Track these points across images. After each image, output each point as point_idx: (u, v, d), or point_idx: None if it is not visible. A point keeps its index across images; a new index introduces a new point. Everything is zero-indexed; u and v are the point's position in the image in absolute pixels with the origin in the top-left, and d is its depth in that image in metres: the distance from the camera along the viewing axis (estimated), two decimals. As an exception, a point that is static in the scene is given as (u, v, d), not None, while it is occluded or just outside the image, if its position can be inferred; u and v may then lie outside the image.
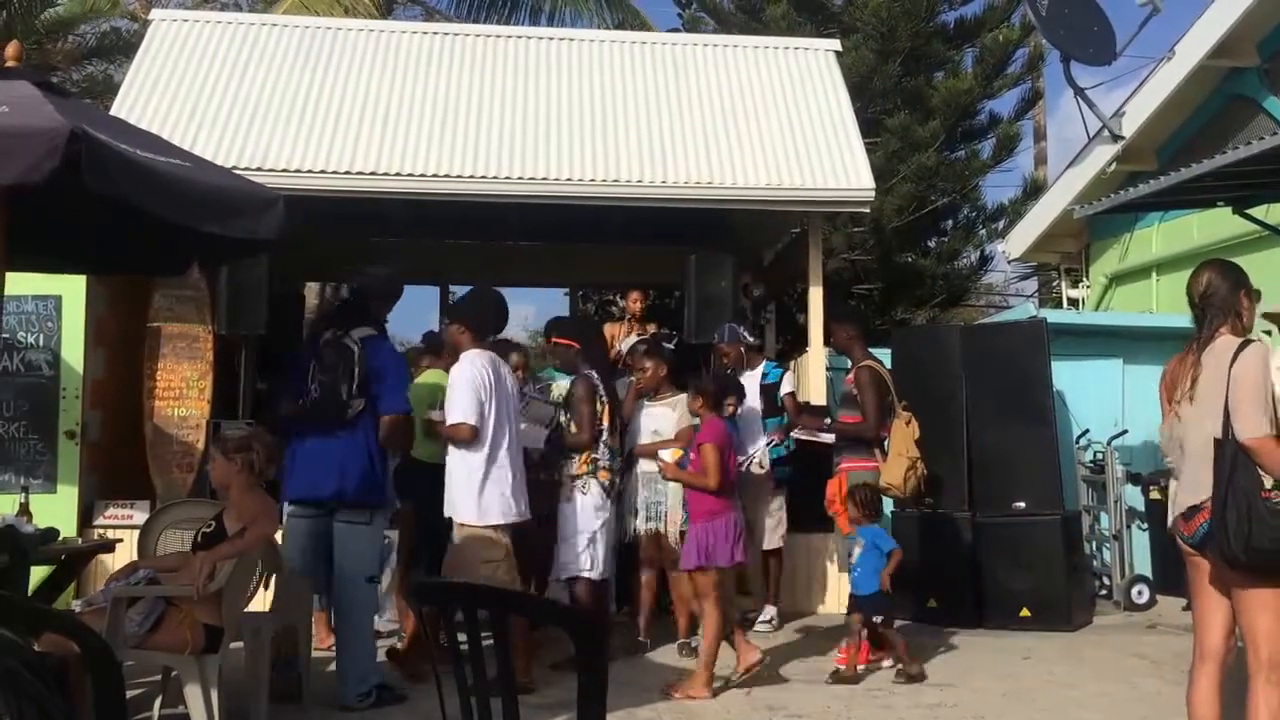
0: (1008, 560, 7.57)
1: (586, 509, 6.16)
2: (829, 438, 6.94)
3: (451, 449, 5.64)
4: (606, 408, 6.27)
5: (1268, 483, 3.70)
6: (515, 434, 5.75)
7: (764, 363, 7.57)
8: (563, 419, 6.42)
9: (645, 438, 6.71)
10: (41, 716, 2.59)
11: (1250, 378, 3.75)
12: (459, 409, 5.50)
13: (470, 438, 5.48)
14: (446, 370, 6.18)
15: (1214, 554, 3.82)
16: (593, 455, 6.21)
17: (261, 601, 5.38)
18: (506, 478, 5.57)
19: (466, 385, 5.51)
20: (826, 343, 8.48)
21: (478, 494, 5.50)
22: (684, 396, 6.57)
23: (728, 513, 5.80)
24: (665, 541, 6.56)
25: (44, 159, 3.58)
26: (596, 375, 6.31)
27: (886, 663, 6.20)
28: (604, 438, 6.25)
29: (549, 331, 6.79)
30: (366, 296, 5.72)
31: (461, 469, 5.55)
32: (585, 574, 6.13)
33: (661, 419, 6.72)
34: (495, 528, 5.51)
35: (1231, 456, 3.73)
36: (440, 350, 7.01)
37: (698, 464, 5.83)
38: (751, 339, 7.58)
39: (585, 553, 6.13)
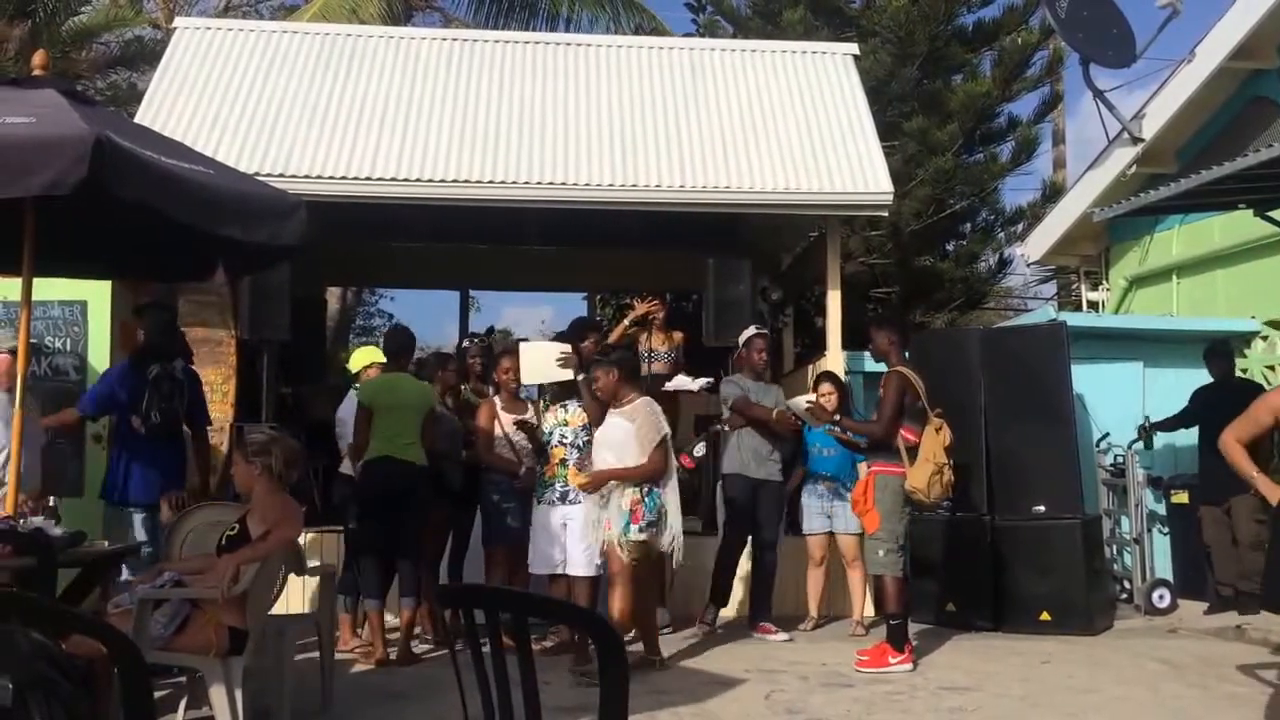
0: (1027, 564, 7.55)
1: (588, 508, 6.27)
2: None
3: None
4: None
5: None
6: None
7: None
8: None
9: None
10: (70, 717, 2.64)
11: None
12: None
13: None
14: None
15: None
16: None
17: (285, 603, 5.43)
18: None
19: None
20: (846, 346, 8.49)
21: None
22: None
23: None
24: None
25: (71, 169, 3.64)
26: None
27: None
28: None
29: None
30: (167, 331, 6.36)
31: None
32: (592, 573, 6.29)
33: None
34: None
35: None
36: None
37: None
38: None
39: (592, 550, 6.25)
